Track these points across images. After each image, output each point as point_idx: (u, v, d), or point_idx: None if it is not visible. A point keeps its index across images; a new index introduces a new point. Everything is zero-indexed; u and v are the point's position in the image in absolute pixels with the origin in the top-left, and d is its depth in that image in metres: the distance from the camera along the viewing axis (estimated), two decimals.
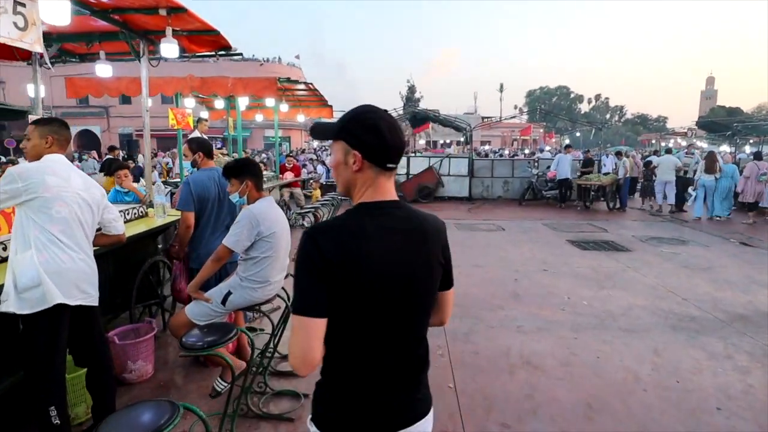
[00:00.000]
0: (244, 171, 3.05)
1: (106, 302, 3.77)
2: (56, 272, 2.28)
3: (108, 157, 9.03)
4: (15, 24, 3.01)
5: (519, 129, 41.12)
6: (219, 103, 8.27)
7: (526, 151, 33.19)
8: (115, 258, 3.72)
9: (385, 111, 1.24)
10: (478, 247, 7.96)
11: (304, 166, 15.34)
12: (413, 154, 16.96)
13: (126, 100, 25.82)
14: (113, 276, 3.74)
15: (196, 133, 8.01)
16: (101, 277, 3.59)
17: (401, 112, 16.95)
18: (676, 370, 3.64)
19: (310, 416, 1.25)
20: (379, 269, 1.14)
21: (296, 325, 1.12)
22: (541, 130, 49.05)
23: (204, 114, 9.73)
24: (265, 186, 7.56)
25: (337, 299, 1.11)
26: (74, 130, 31.46)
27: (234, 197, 3.09)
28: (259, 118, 10.45)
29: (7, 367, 2.71)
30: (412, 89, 42.46)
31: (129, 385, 3.38)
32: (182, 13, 3.71)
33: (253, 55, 34.78)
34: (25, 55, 4.61)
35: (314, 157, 18.94)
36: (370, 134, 1.18)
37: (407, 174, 14.42)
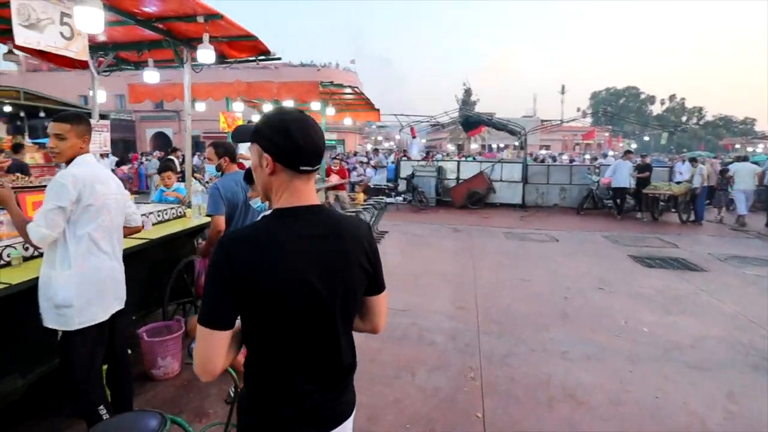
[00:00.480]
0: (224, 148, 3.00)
1: (140, 299, 3.89)
2: (97, 286, 2.29)
3: (166, 157, 9.45)
4: (62, 34, 3.11)
5: (581, 133, 39.24)
6: (267, 107, 8.41)
7: (587, 156, 31.58)
8: (151, 256, 3.78)
9: (302, 113, 1.22)
10: (528, 258, 7.52)
11: (354, 169, 15.38)
12: (464, 159, 16.57)
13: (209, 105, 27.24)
14: (148, 273, 3.82)
15: None
16: (138, 274, 3.67)
17: (454, 115, 16.57)
18: (756, 421, 3.10)
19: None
20: (291, 277, 1.13)
21: (200, 334, 1.12)
22: (606, 134, 46.50)
23: (255, 118, 9.95)
24: (316, 186, 7.76)
25: (250, 308, 1.12)
26: (150, 132, 33.68)
27: (255, 203, 3.02)
28: None
29: (37, 357, 2.79)
30: (468, 92, 41.79)
31: (155, 381, 3.45)
32: (218, 19, 3.71)
33: (312, 61, 35.66)
34: (84, 64, 4.85)
35: (365, 160, 18.98)
36: (280, 136, 1.17)
37: (457, 179, 14.07)
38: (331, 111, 9.01)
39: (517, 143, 20.63)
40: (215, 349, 1.12)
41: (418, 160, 15.45)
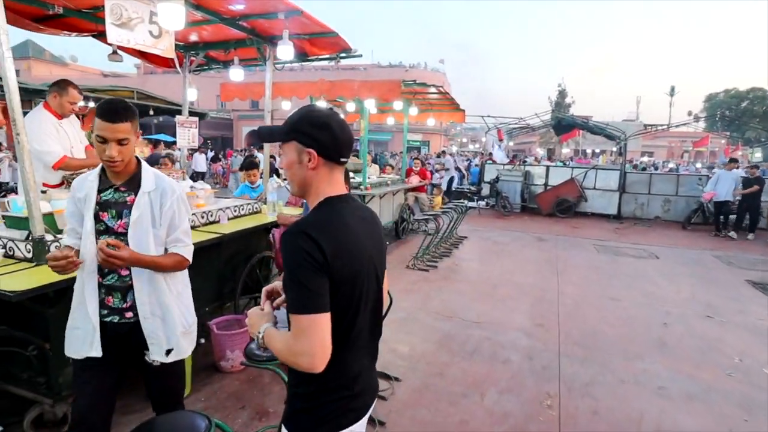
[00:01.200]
0: None
1: (213, 291, 4.02)
2: None
3: (250, 155, 9.90)
4: (150, 32, 3.26)
5: (692, 139, 35.32)
6: (350, 106, 8.46)
7: (699, 165, 28.33)
8: (226, 250, 3.88)
9: (331, 109, 1.30)
10: (621, 275, 6.77)
11: (437, 170, 15.10)
12: (554, 164, 15.56)
13: (294, 104, 28.67)
14: (222, 267, 3.92)
15: None
16: (212, 267, 3.74)
17: (545, 117, 15.64)
18: None
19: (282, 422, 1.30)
20: (363, 257, 1.24)
21: (307, 324, 1.13)
22: (723, 141, 41.47)
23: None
24: (387, 189, 7.65)
25: (331, 291, 1.16)
26: (246, 130, 36.06)
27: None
28: (390, 121, 10.48)
29: None
30: (562, 93, 39.53)
31: (222, 373, 3.52)
32: (298, 15, 3.70)
33: (400, 62, 35.91)
34: (180, 64, 5.14)
35: (445, 162, 18.61)
36: (323, 131, 1.23)
37: (545, 185, 13.24)
38: (414, 111, 8.84)
39: (615, 149, 19.03)
40: (327, 332, 1.14)
41: (504, 164, 14.79)
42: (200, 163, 17.52)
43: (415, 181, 9.38)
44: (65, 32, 4.19)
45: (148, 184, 1.87)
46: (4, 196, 4.85)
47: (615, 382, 3.61)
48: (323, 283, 1.14)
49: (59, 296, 2.49)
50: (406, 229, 9.01)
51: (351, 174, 7.79)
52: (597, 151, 34.12)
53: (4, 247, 2.65)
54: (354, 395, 1.27)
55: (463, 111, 9.87)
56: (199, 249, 3.38)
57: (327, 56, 4.73)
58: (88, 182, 1.84)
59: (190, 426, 1.65)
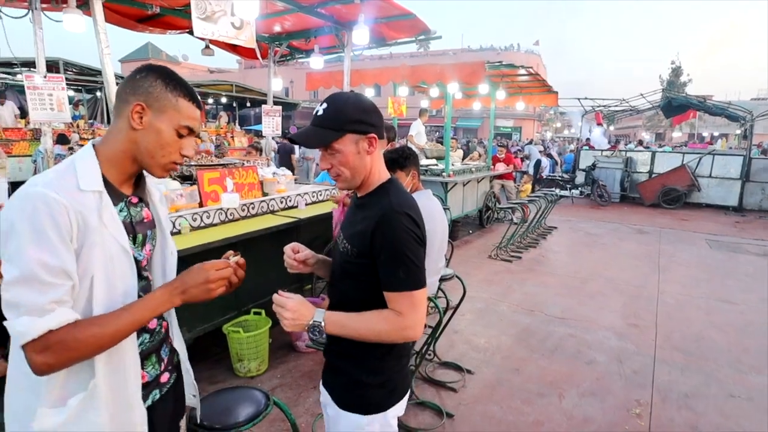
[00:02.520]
0: (410, 161, 2.78)
1: (292, 274, 4.16)
2: None
3: None
4: (232, 24, 3.41)
5: None
6: (434, 92, 8.27)
7: None
8: (303, 234, 4.00)
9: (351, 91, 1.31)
10: (737, 275, 5.92)
11: (527, 157, 14.35)
12: (660, 149, 14.02)
13: (377, 92, 29.05)
14: None
15: (418, 123, 8.23)
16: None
17: (653, 98, 14.09)
18: None
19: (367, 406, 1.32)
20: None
21: (420, 298, 1.22)
22: None
23: (422, 103, 9.96)
24: (472, 176, 7.41)
25: None
26: None
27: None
28: (477, 106, 10.11)
29: (200, 317, 3.16)
30: (676, 71, 35.35)
31: (298, 353, 3.65)
32: None
33: (491, 45, 34.56)
34: (264, 55, 5.37)
35: (542, 148, 17.61)
36: (373, 114, 1.25)
37: (650, 172, 11.98)
38: (501, 94, 8.42)
39: (738, 131, 16.69)
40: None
41: (602, 150, 13.64)
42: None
43: (501, 168, 8.98)
44: (163, 30, 4.56)
45: (153, 186, 1.29)
46: None
47: (722, 396, 3.16)
48: (424, 258, 1.24)
49: None
50: (490, 218, 8.69)
51: (434, 161, 7.67)
52: (716, 134, 30.20)
53: None
54: (409, 359, 1.40)
55: (556, 93, 9.22)
56: (278, 232, 3.55)
57: (405, 39, 4.64)
58: (88, 196, 1.03)
59: (251, 400, 1.73)
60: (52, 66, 9.69)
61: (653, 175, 11.81)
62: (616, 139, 23.63)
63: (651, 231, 8.53)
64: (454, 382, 3.24)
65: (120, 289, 1.08)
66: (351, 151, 1.24)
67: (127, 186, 1.17)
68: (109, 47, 2.58)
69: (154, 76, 1.10)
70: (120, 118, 1.11)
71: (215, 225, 3.43)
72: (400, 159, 2.72)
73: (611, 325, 4.24)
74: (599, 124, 15.31)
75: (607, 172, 12.10)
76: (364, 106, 1.25)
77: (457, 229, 7.60)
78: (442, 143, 8.91)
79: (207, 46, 4.66)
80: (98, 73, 11.69)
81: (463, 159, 9.69)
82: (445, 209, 6.41)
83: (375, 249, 1.22)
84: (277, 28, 4.85)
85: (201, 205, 3.48)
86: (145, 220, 1.23)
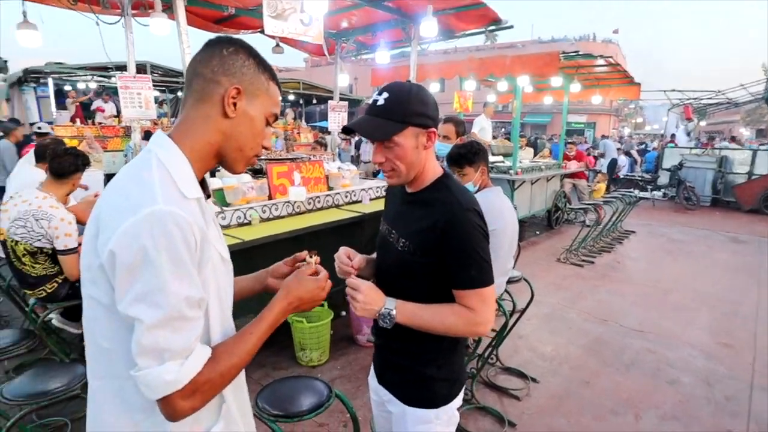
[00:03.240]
0: (479, 156, 2.66)
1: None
2: None
3: None
4: (301, 21, 3.45)
5: None
6: (502, 85, 7.95)
7: None
8: (368, 228, 3.97)
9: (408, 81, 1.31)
10: None
11: (602, 155, 13.49)
12: (765, 147, 12.56)
13: (441, 87, 28.66)
14: (364, 245, 4.04)
15: (483, 118, 7.98)
16: (354, 244, 3.92)
17: (755, 89, 12.65)
18: None
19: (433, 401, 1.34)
20: None
21: (490, 295, 1.22)
22: None
23: (490, 97, 9.64)
24: (541, 174, 7.06)
25: None
26: None
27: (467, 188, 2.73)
28: (548, 101, 9.61)
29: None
30: None
31: (358, 346, 3.65)
32: None
33: (565, 36, 32.90)
34: (331, 51, 5.43)
35: (619, 145, 16.48)
36: (435, 108, 1.22)
37: (749, 173, 10.72)
38: (576, 87, 7.93)
39: None
40: None
41: (691, 148, 12.49)
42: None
43: (573, 166, 8.48)
44: (237, 30, 4.73)
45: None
46: None
47: None
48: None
49: None
50: (560, 219, 8.25)
51: (500, 158, 7.39)
52: None
53: None
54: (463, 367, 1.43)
55: (638, 85, 8.54)
56: (341, 226, 3.57)
57: (474, 31, 4.47)
58: (192, 205, 0.88)
59: (313, 390, 1.75)
60: (141, 68, 10.48)
61: (753, 177, 10.61)
62: (710, 136, 21.54)
63: (749, 240, 7.66)
64: (518, 389, 3.07)
65: (226, 303, 1.00)
66: (410, 145, 1.20)
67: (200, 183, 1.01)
68: (191, 48, 2.70)
69: (245, 53, 0.93)
70: (205, 103, 0.92)
71: (283, 217, 3.51)
72: (469, 154, 2.61)
73: (698, 343, 3.84)
74: (688, 119, 14.04)
75: (696, 173, 11.06)
76: (426, 98, 1.21)
77: (524, 229, 7.28)
78: (509, 140, 8.57)
79: (277, 45, 4.77)
80: (180, 74, 12.49)
81: (534, 156, 9.28)
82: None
83: (445, 248, 1.19)
84: (344, 24, 4.87)
85: (270, 197, 3.57)
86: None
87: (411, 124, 1.18)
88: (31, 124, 9.62)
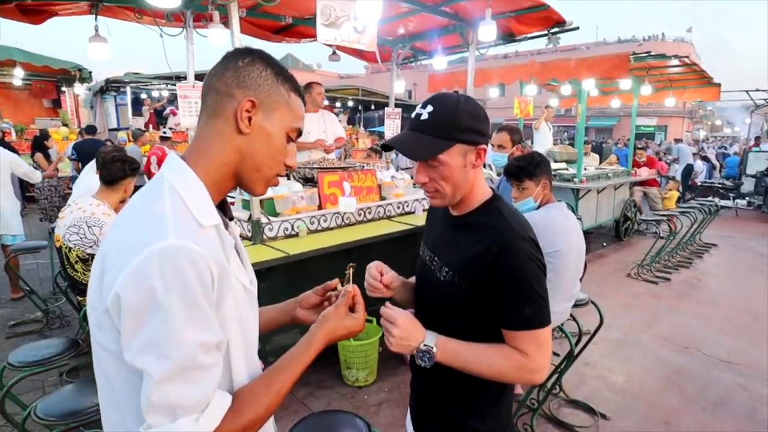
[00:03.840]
0: (541, 169, 2.42)
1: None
2: None
3: None
4: (355, 28, 3.37)
5: None
6: (565, 89, 7.53)
7: None
8: (418, 241, 3.81)
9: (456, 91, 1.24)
10: None
11: (675, 160, 12.51)
12: None
13: (501, 93, 28.02)
14: (416, 258, 3.90)
15: (544, 125, 7.63)
16: (407, 258, 3.83)
17: None
18: None
19: None
20: None
21: (546, 337, 1.07)
22: None
23: (552, 102, 9.19)
24: (608, 182, 6.60)
25: None
26: None
27: (525, 204, 2.48)
28: (615, 104, 9.01)
29: None
30: None
31: (407, 367, 3.43)
32: None
33: (633, 36, 31.18)
34: (388, 57, 5.34)
35: (695, 150, 15.26)
36: (484, 122, 1.10)
37: None
38: (647, 90, 7.35)
39: None
40: None
41: None
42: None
43: (644, 173, 7.88)
44: (298, 39, 4.75)
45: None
46: None
47: None
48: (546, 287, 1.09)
49: (269, 272, 2.78)
50: (629, 230, 7.66)
51: (563, 164, 6.98)
52: None
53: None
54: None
55: (718, 86, 7.81)
56: (392, 239, 3.43)
57: (536, 34, 4.21)
58: (210, 234, 0.80)
59: (349, 426, 1.62)
60: (200, 77, 11.05)
61: None
62: None
63: None
64: (585, 427, 2.78)
65: (251, 338, 0.90)
66: (457, 164, 1.06)
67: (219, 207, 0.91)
68: None
69: (262, 64, 0.85)
70: (218, 119, 0.84)
71: (332, 229, 3.42)
72: (529, 167, 2.38)
73: None
74: None
75: None
76: (476, 111, 1.07)
77: (589, 240, 6.81)
78: (572, 145, 8.11)
79: (334, 52, 4.75)
80: None
81: (600, 162, 8.73)
82: (578, 218, 5.83)
83: (494, 281, 1.05)
84: (401, 31, 4.76)
85: (320, 207, 3.50)
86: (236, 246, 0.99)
87: (458, 140, 1.05)
88: (111, 130, 10.39)
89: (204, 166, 0.83)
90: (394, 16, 4.22)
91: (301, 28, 4.38)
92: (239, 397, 0.80)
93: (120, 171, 2.68)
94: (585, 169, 6.94)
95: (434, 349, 1.05)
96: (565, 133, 21.72)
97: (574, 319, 2.84)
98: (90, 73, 9.51)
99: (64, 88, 11.03)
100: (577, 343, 2.67)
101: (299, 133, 0.91)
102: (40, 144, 7.42)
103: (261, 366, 0.94)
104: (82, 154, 6.35)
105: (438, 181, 1.08)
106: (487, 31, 3.53)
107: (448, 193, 1.10)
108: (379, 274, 1.23)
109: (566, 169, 6.79)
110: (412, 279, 1.34)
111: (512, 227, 1.06)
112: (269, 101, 0.85)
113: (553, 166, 6.91)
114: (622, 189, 7.41)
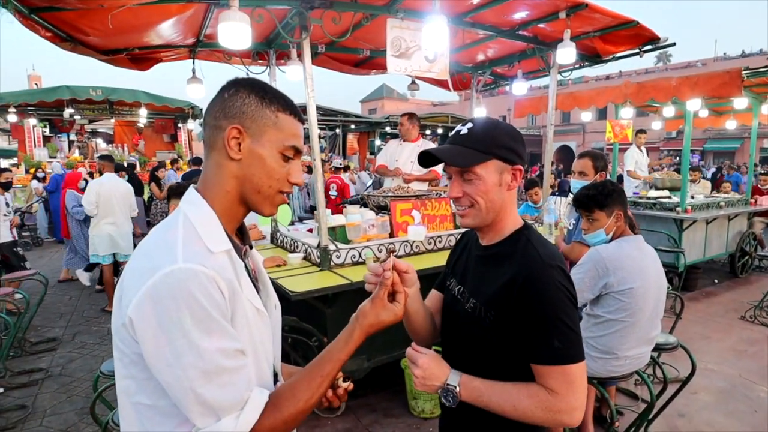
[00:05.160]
0: (612, 198, 2.25)
1: None
2: None
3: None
4: (426, 58, 3.45)
5: None
6: (668, 111, 6.90)
7: None
8: None
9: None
10: None
11: None
12: None
13: (601, 115, 26.45)
14: None
15: (634, 149, 7.08)
16: None
17: None
18: None
19: None
20: None
21: (579, 374, 1.00)
22: None
23: (656, 124, 8.47)
24: (720, 212, 5.90)
25: None
26: (556, 145, 35.20)
27: (596, 236, 2.31)
28: (730, 125, 8.05)
29: (381, 347, 3.19)
30: None
31: None
32: (583, 9, 3.20)
33: (761, 50, 27.86)
34: (467, 86, 5.35)
35: None
36: (521, 144, 1.10)
37: None
38: (766, 108, 6.50)
39: None
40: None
41: None
42: None
43: (765, 202, 6.90)
44: (378, 71, 4.96)
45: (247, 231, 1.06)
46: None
47: None
48: (578, 322, 1.04)
49: (336, 297, 2.87)
50: (748, 266, 6.71)
51: (666, 192, 6.37)
52: None
53: (306, 251, 3.26)
54: None
55: None
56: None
57: (626, 53, 3.96)
58: (221, 259, 0.85)
59: None
60: (302, 108, 11.88)
61: None
62: None
63: None
64: None
65: (263, 356, 0.95)
66: (493, 180, 1.07)
67: (235, 234, 0.98)
68: (314, 91, 2.88)
69: (245, 91, 0.90)
70: (213, 151, 0.91)
71: (400, 257, 3.44)
72: (599, 196, 2.23)
73: None
74: None
75: None
76: (514, 133, 1.11)
77: (695, 276, 6.08)
78: (677, 171, 7.37)
79: (413, 82, 4.88)
80: (339, 113, 13.82)
81: (712, 190, 7.82)
82: (678, 252, 5.26)
83: (520, 310, 1.01)
84: (480, 57, 4.76)
85: (392, 235, 3.55)
86: (253, 271, 1.03)
87: (496, 156, 1.06)
88: None
89: (211, 197, 0.90)
90: (471, 42, 4.24)
91: (378, 59, 4.57)
92: (279, 393, 0.87)
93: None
94: (692, 197, 6.26)
95: (457, 389, 1.03)
96: (676, 158, 19.78)
97: (660, 368, 2.55)
98: (201, 110, 10.73)
99: (180, 125, 12.56)
100: (661, 393, 2.39)
101: (296, 150, 0.94)
102: (154, 175, 8.52)
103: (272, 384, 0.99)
104: None
105: (473, 195, 1.08)
106: (567, 53, 3.40)
107: (482, 209, 1.08)
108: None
109: (669, 197, 6.18)
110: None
111: (540, 255, 1.04)
112: (255, 126, 0.89)
113: (654, 194, 6.35)
114: (738, 220, 6.55)
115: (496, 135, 1.07)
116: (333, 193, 8.22)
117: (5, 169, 6.06)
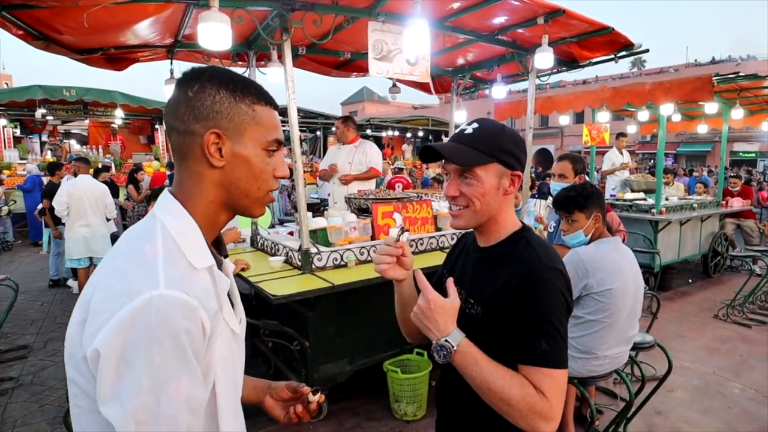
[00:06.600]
0: (592, 200, 2.29)
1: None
2: None
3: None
4: (407, 61, 3.46)
5: None
6: (643, 115, 7.08)
7: None
8: None
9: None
10: None
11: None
12: None
13: (579, 119, 26.97)
14: None
15: (614, 151, 7.25)
16: None
17: None
18: None
19: None
20: None
21: (563, 382, 0.98)
22: None
23: (630, 128, 8.67)
24: (693, 214, 6.06)
25: None
26: (535, 148, 35.66)
27: (575, 237, 2.35)
28: (702, 129, 8.30)
29: (362, 350, 3.18)
30: None
31: None
32: (560, 15, 3.27)
33: (729, 56, 28.86)
34: (447, 89, 5.39)
35: None
36: (522, 150, 1.11)
37: None
38: (738, 114, 6.71)
39: None
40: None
41: None
42: None
43: (737, 204, 7.12)
44: (358, 73, 4.96)
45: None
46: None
47: None
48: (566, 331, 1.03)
49: (317, 300, 2.85)
50: (720, 266, 6.92)
51: (641, 194, 6.52)
52: None
53: (287, 254, 3.23)
54: None
55: None
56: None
57: (601, 58, 4.05)
58: (202, 276, 0.78)
59: None
60: (283, 111, 11.81)
61: None
62: None
63: None
64: None
65: (239, 380, 0.87)
66: (492, 183, 1.07)
67: (213, 244, 0.87)
68: (295, 93, 2.87)
69: (212, 87, 0.79)
70: (189, 160, 0.80)
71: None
72: (580, 198, 2.26)
73: None
74: None
75: None
76: (518, 139, 1.11)
77: (670, 277, 6.23)
78: (651, 173, 7.56)
79: (394, 85, 4.90)
80: (319, 115, 13.78)
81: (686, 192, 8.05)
82: (654, 253, 5.38)
83: (514, 307, 1.01)
84: (461, 61, 4.81)
85: (373, 238, 3.54)
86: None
87: (498, 159, 1.07)
88: None
89: (192, 207, 0.81)
90: (452, 46, 4.27)
91: (359, 62, 4.57)
92: None
93: None
94: (666, 199, 6.42)
95: (454, 348, 0.97)
96: (650, 161, 20.32)
97: (638, 367, 2.60)
98: None
99: (157, 126, 12.32)
100: (639, 391, 2.44)
101: (278, 142, 0.85)
102: (133, 177, 8.37)
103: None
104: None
105: (470, 196, 1.07)
106: (545, 58, 3.46)
107: (477, 211, 1.08)
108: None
109: (644, 199, 6.33)
110: None
111: (539, 256, 1.04)
112: (233, 125, 0.79)
113: (630, 196, 6.49)
114: (710, 221, 6.75)
115: (501, 139, 1.08)
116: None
117: None
